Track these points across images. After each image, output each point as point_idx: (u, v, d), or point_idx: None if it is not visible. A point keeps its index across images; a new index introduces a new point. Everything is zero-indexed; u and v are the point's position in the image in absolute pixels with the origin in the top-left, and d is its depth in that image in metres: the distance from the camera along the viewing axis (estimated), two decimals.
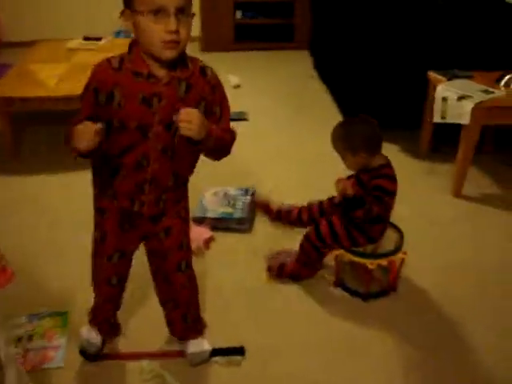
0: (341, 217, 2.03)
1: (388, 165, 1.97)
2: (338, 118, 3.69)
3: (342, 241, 2.02)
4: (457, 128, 2.74)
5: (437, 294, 2.16)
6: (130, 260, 1.69)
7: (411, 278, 2.22)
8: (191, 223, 2.43)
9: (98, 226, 1.61)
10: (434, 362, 1.84)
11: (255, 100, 4.02)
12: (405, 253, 2.06)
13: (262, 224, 2.53)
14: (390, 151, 3.19)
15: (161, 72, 1.39)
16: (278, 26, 5.14)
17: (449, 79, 2.84)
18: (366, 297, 2.10)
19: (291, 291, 2.16)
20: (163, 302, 1.77)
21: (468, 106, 2.56)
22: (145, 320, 1.97)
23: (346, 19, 3.67)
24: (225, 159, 1.57)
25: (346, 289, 2.15)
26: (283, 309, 2.07)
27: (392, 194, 1.94)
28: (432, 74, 2.97)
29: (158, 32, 1.30)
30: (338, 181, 1.89)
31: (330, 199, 2.19)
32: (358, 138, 1.92)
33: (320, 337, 1.95)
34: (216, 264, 2.30)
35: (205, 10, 4.93)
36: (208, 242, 2.40)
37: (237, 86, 4.25)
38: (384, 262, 2.03)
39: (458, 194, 2.80)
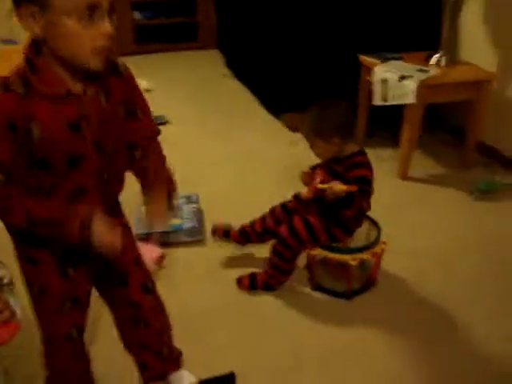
0: (317, 213, 1.83)
1: (361, 152, 1.80)
2: (260, 113, 3.57)
3: (320, 236, 1.82)
4: (391, 110, 2.68)
5: (414, 280, 2.05)
6: (88, 303, 1.33)
7: (383, 266, 2.08)
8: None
9: (33, 278, 1.24)
10: (432, 347, 1.74)
11: (171, 103, 3.73)
12: (384, 243, 1.91)
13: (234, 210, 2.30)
14: None
15: (78, 86, 1.07)
16: (181, 25, 4.88)
17: (382, 61, 2.76)
18: (349, 295, 1.92)
19: (268, 303, 1.92)
20: (132, 342, 1.43)
21: (411, 84, 2.49)
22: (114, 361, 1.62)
23: (258, 11, 3.51)
24: None
25: (325, 291, 1.96)
26: (264, 324, 1.83)
27: (372, 182, 1.77)
28: (364, 58, 2.88)
29: (88, 38, 1.00)
30: (330, 186, 1.64)
31: (296, 197, 1.99)
32: (331, 123, 1.73)
33: (313, 347, 1.73)
34: (175, 284, 2.00)
35: None
36: (160, 260, 2.08)
37: (147, 90, 3.92)
38: (366, 255, 1.86)
39: (405, 176, 2.73)
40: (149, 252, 2.04)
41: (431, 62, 2.78)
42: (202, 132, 3.31)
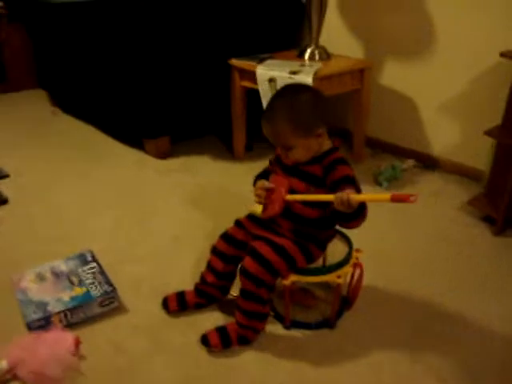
0: (288, 232, 1.46)
1: (337, 148, 1.47)
2: (113, 145, 3.04)
3: (296, 259, 1.45)
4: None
5: (381, 285, 1.80)
6: None
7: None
8: (31, 334, 1.53)
9: None
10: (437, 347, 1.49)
11: (4, 157, 2.95)
12: (358, 250, 1.61)
13: (130, 294, 1.75)
14: (205, 160, 2.80)
15: None
16: None
17: (259, 62, 2.51)
18: (332, 322, 1.58)
19: (246, 360, 1.47)
20: None
21: (306, 78, 2.26)
22: None
23: (89, 39, 3.00)
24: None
25: (300, 326, 1.59)
26: None
27: None
28: (237, 62, 2.59)
29: None
30: (347, 197, 1.23)
31: (248, 220, 1.58)
32: (309, 109, 1.36)
33: None
34: (108, 378, 1.43)
35: None
36: (77, 348, 1.49)
37: None
38: (349, 268, 1.54)
39: None
40: (59, 341, 1.47)
41: (306, 58, 2.62)
42: (59, 178, 2.65)
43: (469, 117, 2.51)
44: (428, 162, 2.70)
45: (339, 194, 1.23)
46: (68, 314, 1.59)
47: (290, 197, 1.38)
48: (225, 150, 2.96)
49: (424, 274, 1.87)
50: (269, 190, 1.43)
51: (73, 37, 3.14)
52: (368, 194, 1.29)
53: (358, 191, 1.34)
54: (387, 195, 1.15)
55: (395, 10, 2.63)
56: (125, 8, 2.62)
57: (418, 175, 2.62)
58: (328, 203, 1.33)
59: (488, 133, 2.12)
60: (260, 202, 1.45)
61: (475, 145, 2.50)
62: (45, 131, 3.35)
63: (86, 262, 1.82)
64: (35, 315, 1.56)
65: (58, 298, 1.64)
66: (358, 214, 1.28)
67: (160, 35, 2.59)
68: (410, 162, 2.63)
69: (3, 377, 1.39)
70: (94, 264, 1.81)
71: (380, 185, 2.49)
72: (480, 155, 2.50)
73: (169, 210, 2.32)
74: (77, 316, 1.60)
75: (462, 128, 2.55)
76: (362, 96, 2.61)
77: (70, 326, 1.59)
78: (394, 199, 1.14)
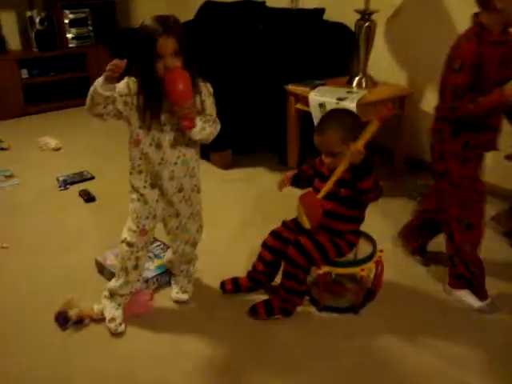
0: (323, 230, 1.85)
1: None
2: None
3: (330, 253, 1.83)
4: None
5: (406, 282, 2.12)
6: None
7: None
8: None
9: None
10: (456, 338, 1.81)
11: (87, 158, 3.51)
12: (381, 251, 1.96)
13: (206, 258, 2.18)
14: (261, 172, 3.20)
15: None
16: (72, 81, 4.68)
17: (312, 88, 2.89)
18: (357, 309, 1.94)
19: (285, 331, 1.86)
20: None
21: (351, 105, 2.62)
22: None
23: None
24: None
25: (330, 309, 1.95)
26: (289, 356, 1.77)
27: None
28: (292, 87, 2.99)
29: None
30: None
31: (292, 222, 1.97)
32: (350, 123, 1.77)
33: (351, 369, 1.71)
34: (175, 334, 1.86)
35: None
36: (151, 302, 2.01)
37: (57, 149, 3.69)
38: (372, 265, 1.90)
39: None
40: (139, 295, 1.93)
41: (354, 85, 2.98)
42: None
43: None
44: None
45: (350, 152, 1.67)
46: (159, 278, 2.10)
47: (321, 194, 1.76)
48: (279, 163, 3.34)
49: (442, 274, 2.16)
50: (305, 205, 1.81)
51: None
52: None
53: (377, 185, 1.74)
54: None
55: (437, 41, 2.93)
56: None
57: None
58: (354, 202, 1.75)
59: None
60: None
61: (505, 165, 2.76)
62: (122, 138, 3.85)
63: (151, 242, 2.25)
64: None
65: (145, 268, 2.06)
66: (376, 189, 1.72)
67: (230, 65, 3.06)
68: None
69: None
70: (159, 242, 2.28)
71: (414, 199, 2.80)
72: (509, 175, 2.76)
73: (230, 212, 2.73)
74: (164, 279, 2.11)
75: None
76: (403, 120, 2.93)
77: (158, 287, 2.09)
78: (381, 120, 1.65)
